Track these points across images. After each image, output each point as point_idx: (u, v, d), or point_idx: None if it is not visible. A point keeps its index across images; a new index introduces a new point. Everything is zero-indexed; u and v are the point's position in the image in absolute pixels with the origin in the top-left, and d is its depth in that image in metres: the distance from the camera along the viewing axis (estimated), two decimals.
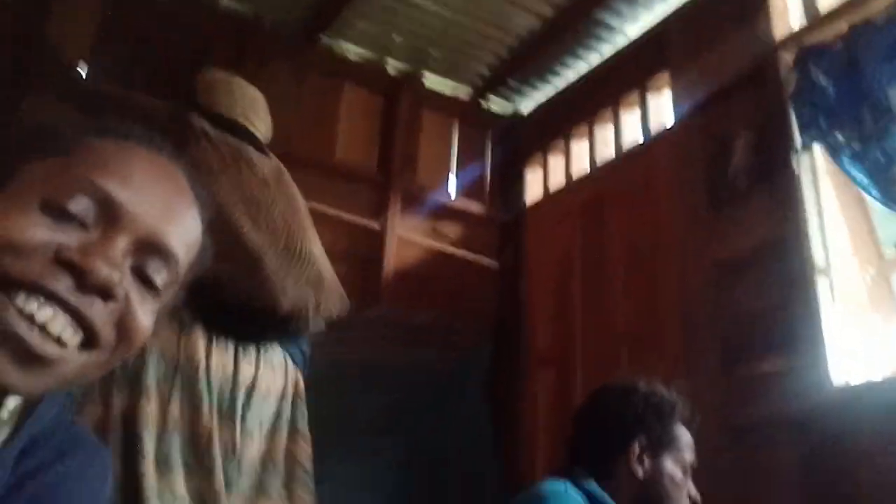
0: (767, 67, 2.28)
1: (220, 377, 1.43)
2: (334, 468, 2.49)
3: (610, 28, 3.04)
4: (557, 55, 3.24)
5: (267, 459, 1.48)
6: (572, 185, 3.18)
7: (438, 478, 2.65)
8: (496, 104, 3.63)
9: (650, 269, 2.60)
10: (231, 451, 1.42)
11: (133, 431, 1.31)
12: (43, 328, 0.50)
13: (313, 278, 1.54)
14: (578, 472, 1.37)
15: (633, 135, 2.98)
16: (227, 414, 1.43)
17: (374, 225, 3.13)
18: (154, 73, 2.82)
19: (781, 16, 2.35)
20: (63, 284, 0.51)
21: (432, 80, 3.50)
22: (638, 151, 2.85)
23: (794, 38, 2.25)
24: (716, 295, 2.27)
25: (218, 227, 1.39)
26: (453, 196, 3.42)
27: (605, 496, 1.33)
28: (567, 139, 3.31)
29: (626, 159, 2.90)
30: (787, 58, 2.23)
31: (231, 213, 1.46)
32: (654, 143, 2.77)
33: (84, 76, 2.64)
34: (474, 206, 3.41)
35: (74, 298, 0.51)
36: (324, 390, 2.58)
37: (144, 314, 0.57)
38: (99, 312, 0.53)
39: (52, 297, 0.50)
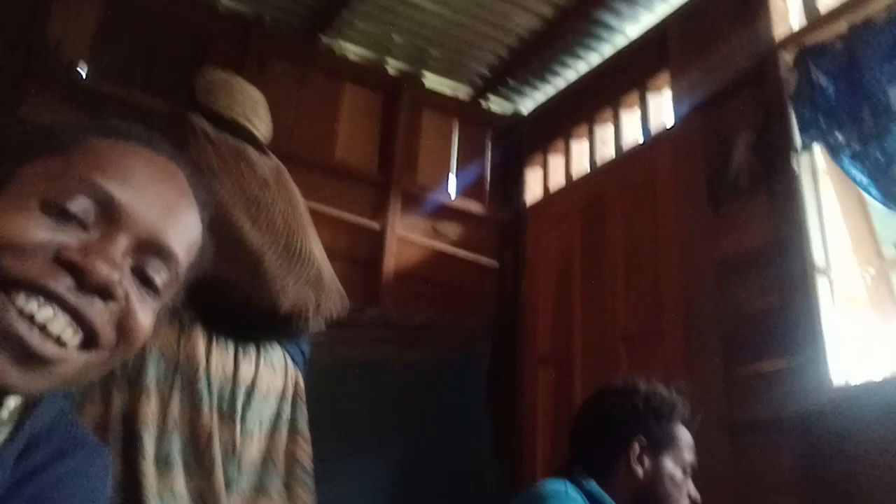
0: (767, 67, 2.28)
1: (220, 377, 1.44)
2: (334, 468, 2.49)
3: (610, 28, 3.04)
4: (557, 55, 3.24)
5: (267, 459, 1.48)
6: (572, 185, 3.18)
7: (438, 477, 2.65)
8: (496, 104, 3.63)
9: (650, 268, 2.60)
10: (231, 451, 1.42)
11: (133, 431, 1.31)
12: (43, 328, 0.50)
13: (314, 278, 1.54)
14: (578, 472, 1.37)
15: (633, 135, 2.98)
16: (227, 413, 1.43)
17: (374, 225, 3.13)
18: (154, 73, 2.82)
19: (782, 15, 2.35)
20: (63, 284, 0.51)
21: (432, 80, 3.51)
22: (638, 151, 2.86)
23: (794, 37, 2.25)
24: (716, 294, 2.27)
25: (218, 227, 1.39)
26: (453, 196, 3.42)
27: (605, 496, 1.33)
28: (567, 139, 3.31)
29: (627, 159, 2.90)
30: (788, 57, 2.24)
31: (231, 213, 1.46)
32: (655, 143, 2.77)
33: (84, 76, 2.65)
34: (474, 206, 3.41)
35: (74, 298, 0.51)
36: (323, 390, 2.58)
37: (144, 314, 0.57)
38: (99, 312, 0.53)
39: (53, 298, 0.50)
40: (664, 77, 2.81)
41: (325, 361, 2.63)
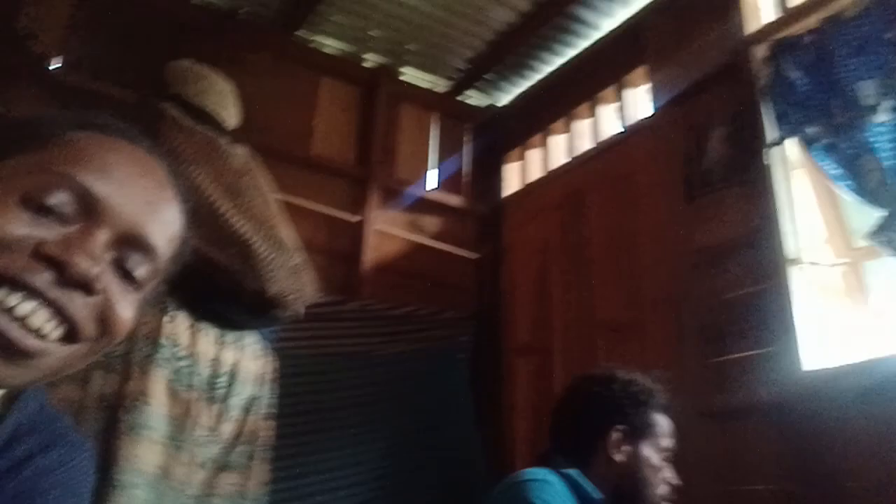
0: (741, 61, 2.32)
1: (204, 361, 1.46)
2: (318, 460, 2.50)
3: (586, 23, 3.06)
4: (535, 49, 3.25)
5: (237, 438, 1.51)
6: (550, 177, 3.20)
7: (422, 467, 2.67)
8: (474, 98, 3.64)
9: (628, 259, 2.63)
10: (211, 432, 1.44)
11: (111, 410, 1.31)
12: (24, 322, 0.50)
13: (294, 266, 1.56)
14: (559, 460, 1.39)
15: (610, 129, 3.00)
16: (210, 397, 1.46)
17: (353, 218, 3.12)
18: (127, 66, 2.78)
19: (754, 10, 2.38)
20: (43, 279, 0.51)
21: (410, 74, 3.50)
22: (615, 144, 2.88)
23: (766, 32, 2.28)
24: (693, 284, 2.31)
25: (204, 217, 1.39)
26: (432, 189, 3.42)
27: (586, 482, 1.35)
28: (545, 133, 3.33)
29: (604, 151, 2.93)
30: (760, 52, 2.27)
31: (214, 202, 1.47)
32: (632, 136, 2.79)
33: (56, 69, 2.60)
34: (453, 199, 3.42)
35: (55, 293, 0.51)
36: (306, 383, 2.59)
37: (125, 307, 0.57)
38: (80, 306, 0.53)
39: (33, 292, 0.50)
40: (640, 71, 2.84)
41: (307, 355, 2.63)
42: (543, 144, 3.34)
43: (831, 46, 2.01)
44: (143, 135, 0.63)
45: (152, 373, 1.37)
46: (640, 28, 2.84)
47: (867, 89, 1.92)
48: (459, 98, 3.60)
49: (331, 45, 3.33)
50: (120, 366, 1.34)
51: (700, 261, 2.31)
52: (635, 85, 2.91)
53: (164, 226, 0.61)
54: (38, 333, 0.51)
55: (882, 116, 1.87)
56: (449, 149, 3.54)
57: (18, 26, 2.46)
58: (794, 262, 2.06)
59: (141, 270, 0.58)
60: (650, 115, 2.70)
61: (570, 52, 3.24)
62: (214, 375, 1.47)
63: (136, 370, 1.35)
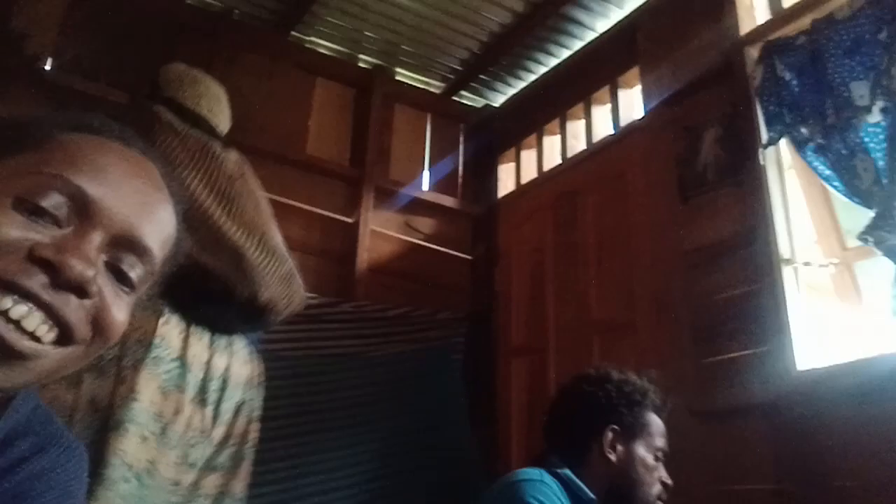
0: (734, 62, 2.32)
1: (196, 365, 1.46)
2: (313, 461, 2.50)
3: (580, 24, 3.07)
4: (529, 50, 3.26)
5: (225, 440, 1.52)
6: (544, 178, 3.21)
7: (417, 468, 2.67)
8: (468, 98, 3.64)
9: (622, 259, 2.64)
10: (201, 434, 1.45)
11: (101, 413, 1.31)
12: (18, 325, 0.50)
13: (286, 274, 1.57)
14: (553, 460, 1.39)
15: (604, 129, 3.01)
16: (202, 400, 1.47)
17: (348, 219, 3.12)
18: (121, 67, 2.77)
19: (748, 11, 2.39)
20: (37, 282, 0.51)
21: (404, 75, 3.50)
22: (609, 144, 2.89)
23: (760, 33, 2.29)
24: (687, 284, 2.32)
25: (197, 223, 1.40)
26: (426, 189, 3.42)
27: (580, 482, 1.36)
28: (539, 133, 3.34)
29: (597, 152, 2.94)
30: (753, 53, 2.28)
31: (207, 209, 1.47)
32: (625, 137, 2.80)
33: (49, 70, 2.59)
34: (447, 200, 3.43)
35: (49, 296, 0.51)
36: (301, 384, 2.59)
37: (119, 309, 0.57)
38: (74, 309, 0.53)
39: (26, 295, 0.50)
40: (634, 72, 2.85)
41: (302, 356, 2.63)
42: (538, 145, 3.34)
43: (824, 47, 2.02)
44: (137, 136, 0.63)
45: (143, 373, 1.37)
46: (634, 29, 2.84)
47: (860, 90, 1.93)
48: (454, 98, 3.60)
49: (326, 45, 3.33)
50: (112, 369, 1.34)
51: (694, 261, 2.31)
52: (629, 86, 2.92)
53: (159, 227, 0.61)
54: (32, 336, 0.51)
55: (875, 117, 1.88)
56: (443, 149, 3.55)
57: (12, 27, 2.45)
58: (788, 262, 2.07)
59: (135, 272, 0.58)
60: (644, 115, 2.70)
61: (564, 53, 3.24)
62: (207, 379, 1.49)
63: (127, 373, 1.35)
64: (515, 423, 2.92)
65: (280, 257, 1.57)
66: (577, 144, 3.11)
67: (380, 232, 3.17)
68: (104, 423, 1.30)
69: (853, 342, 2.00)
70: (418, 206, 3.33)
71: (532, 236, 3.12)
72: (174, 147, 1.52)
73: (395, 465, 2.63)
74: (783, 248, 2.08)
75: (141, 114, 1.59)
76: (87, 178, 0.55)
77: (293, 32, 3.21)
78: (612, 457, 1.39)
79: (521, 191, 3.33)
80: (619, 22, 2.96)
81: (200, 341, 1.49)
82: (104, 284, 0.55)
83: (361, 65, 3.42)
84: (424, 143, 3.51)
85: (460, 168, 3.57)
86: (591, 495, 1.35)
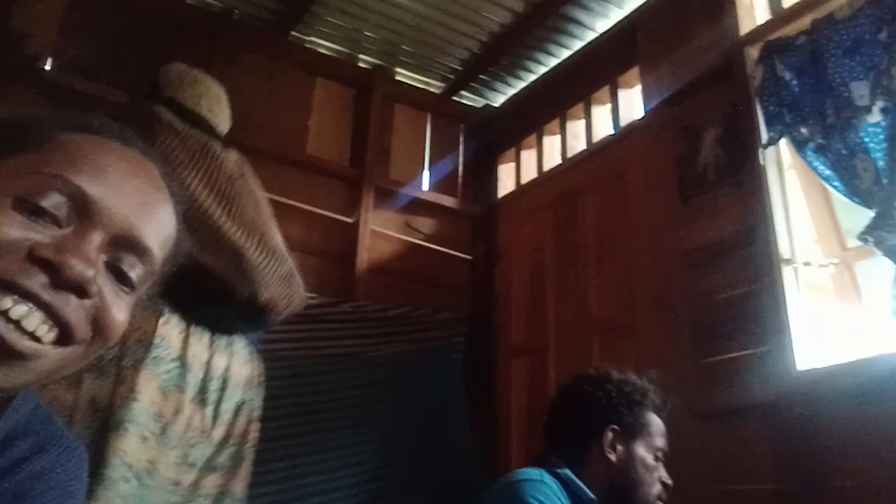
0: (734, 62, 2.32)
1: (196, 365, 1.47)
2: (313, 461, 2.50)
3: (581, 24, 3.07)
4: (529, 50, 3.26)
5: (225, 440, 1.52)
6: (544, 178, 3.21)
7: (417, 468, 2.67)
8: (468, 98, 3.64)
9: (622, 259, 2.64)
10: (202, 434, 1.45)
11: (101, 413, 1.31)
12: (18, 325, 0.50)
13: (286, 274, 1.57)
14: (553, 460, 1.39)
15: (604, 129, 3.01)
16: (202, 400, 1.47)
17: (348, 219, 3.12)
18: (121, 67, 2.77)
19: (748, 11, 2.39)
20: (37, 282, 0.51)
21: (405, 75, 3.50)
22: (609, 144, 2.89)
23: (760, 33, 2.29)
24: (687, 284, 2.32)
25: (198, 223, 1.40)
26: (426, 189, 3.42)
27: (580, 482, 1.36)
28: (539, 133, 3.33)
29: (597, 152, 2.94)
30: (753, 53, 2.28)
31: (207, 209, 1.47)
32: (625, 137, 2.80)
33: (49, 69, 2.59)
34: (447, 200, 3.43)
35: (49, 296, 0.51)
36: (301, 384, 2.59)
37: (119, 309, 0.57)
38: (74, 309, 0.53)
39: (26, 295, 0.50)
40: (634, 72, 2.85)
41: (302, 356, 2.63)
42: (538, 145, 3.34)
43: (824, 47, 2.02)
44: (136, 136, 0.63)
45: (143, 373, 1.37)
46: (634, 29, 2.84)
47: (860, 90, 1.93)
48: (454, 98, 3.60)
49: (326, 45, 3.33)
50: (112, 369, 1.34)
51: (694, 261, 2.31)
52: (629, 85, 2.92)
53: (159, 227, 0.61)
54: (32, 336, 0.51)
55: (875, 117, 1.88)
56: (443, 149, 3.55)
57: (12, 27, 2.45)
58: (788, 262, 2.07)
59: (135, 272, 0.58)
60: (644, 115, 2.70)
61: (564, 53, 3.24)
62: (207, 379, 1.49)
63: (127, 373, 1.35)
64: (515, 423, 2.92)
65: (280, 257, 1.57)
66: (577, 144, 3.11)
67: (380, 232, 3.17)
68: (104, 423, 1.30)
69: (853, 342, 2.00)
70: (418, 206, 3.33)
71: (532, 236, 3.12)
72: (174, 147, 1.52)
73: (395, 465, 2.63)
74: (783, 248, 2.08)
75: (141, 114, 1.59)
76: (87, 178, 0.55)
77: (293, 32, 3.21)
78: (612, 457, 1.39)
79: (521, 191, 3.33)
80: (619, 22, 2.96)
81: (200, 341, 1.49)
82: (104, 284, 0.55)
83: (361, 65, 3.42)
84: (424, 143, 3.51)
85: (460, 168, 3.57)
86: (591, 495, 1.35)
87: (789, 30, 2.19)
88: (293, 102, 3.20)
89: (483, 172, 3.54)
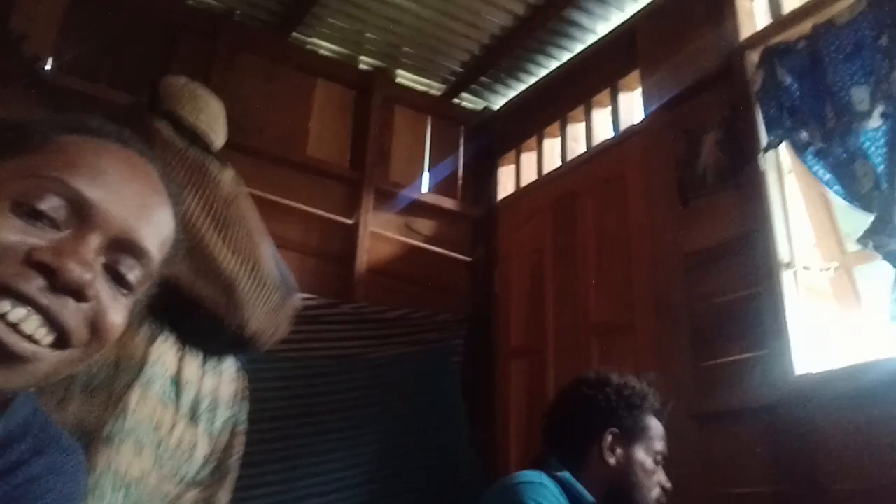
0: (734, 66, 2.33)
1: (189, 387, 1.47)
2: (310, 463, 2.49)
3: (581, 27, 3.07)
4: (530, 53, 3.26)
5: (210, 455, 1.52)
6: (544, 180, 3.21)
7: (415, 470, 2.67)
8: (468, 101, 3.64)
9: (621, 262, 2.64)
10: (191, 451, 1.46)
11: (91, 433, 1.31)
12: (16, 328, 0.50)
13: (276, 304, 1.57)
14: (552, 463, 1.39)
15: (604, 132, 3.01)
16: (192, 419, 1.47)
17: (347, 220, 3.12)
18: (121, 68, 2.78)
19: (748, 15, 2.39)
20: (35, 285, 0.51)
21: (405, 77, 3.51)
22: (608, 147, 2.89)
23: (760, 37, 2.29)
24: (686, 287, 2.32)
25: (193, 250, 1.39)
26: (426, 191, 3.42)
27: (579, 485, 1.36)
28: (539, 136, 3.34)
29: (597, 155, 2.94)
30: (754, 57, 2.28)
31: (203, 236, 1.46)
32: (625, 139, 2.80)
33: (49, 71, 2.59)
34: (447, 202, 3.43)
35: (46, 299, 0.51)
36: (299, 386, 2.59)
37: (117, 312, 0.57)
38: (71, 313, 0.53)
39: (24, 299, 0.50)
40: (634, 75, 2.85)
41: (300, 357, 2.63)
42: (538, 147, 3.34)
43: (824, 52, 2.02)
44: (135, 137, 0.63)
45: (137, 391, 1.36)
46: (634, 32, 2.85)
47: (860, 95, 1.93)
48: (454, 101, 3.60)
49: (326, 47, 3.33)
50: (103, 392, 1.33)
51: (693, 264, 2.31)
52: (630, 88, 2.92)
53: (157, 229, 0.60)
54: (30, 339, 0.51)
55: (875, 122, 1.88)
56: (443, 151, 3.55)
57: (12, 27, 2.45)
58: (788, 265, 2.07)
59: (133, 275, 0.58)
60: (644, 118, 2.70)
61: (564, 56, 3.25)
62: (198, 399, 1.50)
63: (121, 392, 1.35)
64: (514, 425, 2.91)
65: (270, 287, 1.57)
66: (577, 147, 3.11)
67: (379, 233, 3.17)
68: (92, 440, 1.30)
69: (852, 346, 2.00)
70: (418, 208, 3.33)
71: (532, 238, 3.12)
72: (173, 166, 1.51)
73: (393, 467, 2.63)
74: (783, 251, 2.08)
75: (140, 126, 1.58)
76: (85, 180, 0.55)
77: (294, 34, 3.21)
78: (612, 460, 1.39)
79: (521, 193, 3.33)
80: (620, 25, 2.96)
81: (194, 362, 1.50)
82: (102, 287, 0.55)
83: (362, 66, 3.42)
84: (424, 144, 3.52)
85: (460, 170, 3.57)
86: (591, 498, 1.35)
87: (790, 34, 2.19)
88: (293, 104, 3.20)
89: (483, 174, 3.54)
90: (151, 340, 1.42)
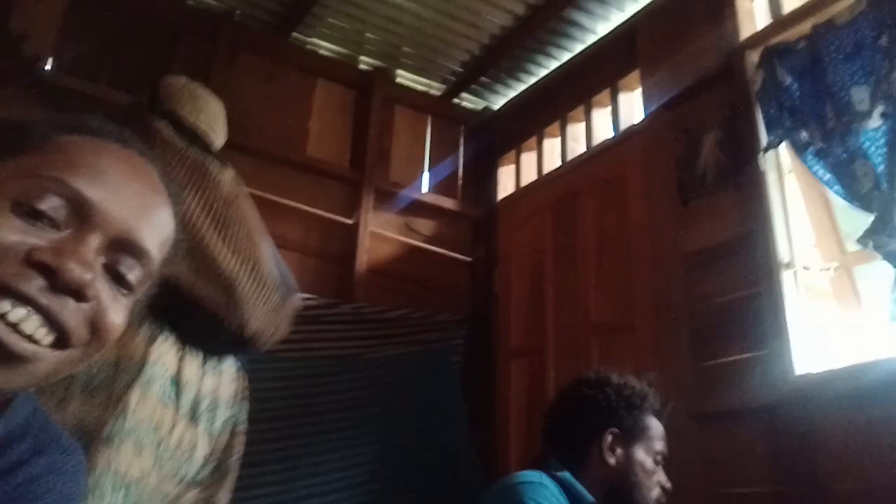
0: (734, 66, 2.33)
1: (189, 387, 1.47)
2: (310, 463, 2.50)
3: (581, 27, 3.07)
4: (530, 53, 3.26)
5: (210, 455, 1.52)
6: (544, 180, 3.21)
7: (415, 469, 2.67)
8: (469, 101, 3.64)
9: (621, 262, 2.63)
10: (191, 451, 1.47)
11: (91, 433, 1.31)
12: (16, 328, 0.50)
13: (276, 304, 1.57)
14: (552, 462, 1.39)
15: (604, 132, 3.01)
16: (193, 419, 1.47)
17: (347, 220, 3.12)
18: (121, 68, 2.78)
19: (748, 15, 2.39)
20: (35, 286, 0.51)
21: (405, 77, 3.51)
22: (608, 147, 2.89)
23: (760, 37, 2.29)
24: (686, 287, 2.32)
25: (194, 250, 1.39)
26: (426, 191, 3.43)
27: (579, 485, 1.36)
28: (539, 136, 3.34)
29: (597, 155, 2.94)
30: (754, 57, 2.28)
31: (203, 236, 1.46)
32: (625, 139, 2.80)
33: (49, 70, 2.59)
34: (447, 202, 3.43)
35: (46, 299, 0.51)
36: (298, 386, 2.59)
37: (117, 312, 0.57)
38: (71, 313, 0.53)
39: (24, 299, 0.50)
40: (634, 75, 2.85)
41: (300, 357, 2.63)
42: (538, 147, 3.34)
43: (824, 52, 2.02)
44: (135, 137, 0.63)
45: (137, 391, 1.36)
46: (634, 32, 2.85)
47: (860, 95, 1.93)
48: (454, 101, 3.60)
49: (326, 47, 3.33)
50: (103, 392, 1.33)
51: (693, 264, 2.31)
52: (630, 88, 2.92)
53: (157, 229, 0.61)
54: (30, 339, 0.51)
55: (875, 122, 1.88)
56: (443, 151, 3.55)
57: (12, 27, 2.45)
58: (788, 265, 2.07)
59: (133, 274, 0.58)
60: (644, 118, 2.70)
61: (564, 56, 3.24)
62: (198, 399, 1.50)
63: (121, 393, 1.35)
64: (514, 425, 2.91)
65: (270, 287, 1.56)
66: (577, 147, 3.11)
67: (379, 233, 3.17)
68: (92, 440, 1.29)
69: (852, 346, 2.00)
70: (418, 208, 3.33)
71: (532, 238, 3.12)
72: (173, 166, 1.51)
73: (393, 467, 2.63)
74: (783, 251, 2.08)
75: (140, 126, 1.57)
76: (85, 180, 0.55)
77: (294, 34, 3.21)
78: (612, 460, 1.39)
79: (521, 193, 3.33)
80: (620, 25, 2.96)
81: (194, 362, 1.50)
82: (102, 287, 0.55)
83: (362, 66, 3.42)
84: (424, 144, 3.52)
85: (460, 170, 3.57)
86: (591, 498, 1.35)
87: (790, 34, 2.19)
88: (293, 104, 3.20)
89: (483, 174, 3.54)
90: (151, 340, 1.42)
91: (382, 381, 2.76)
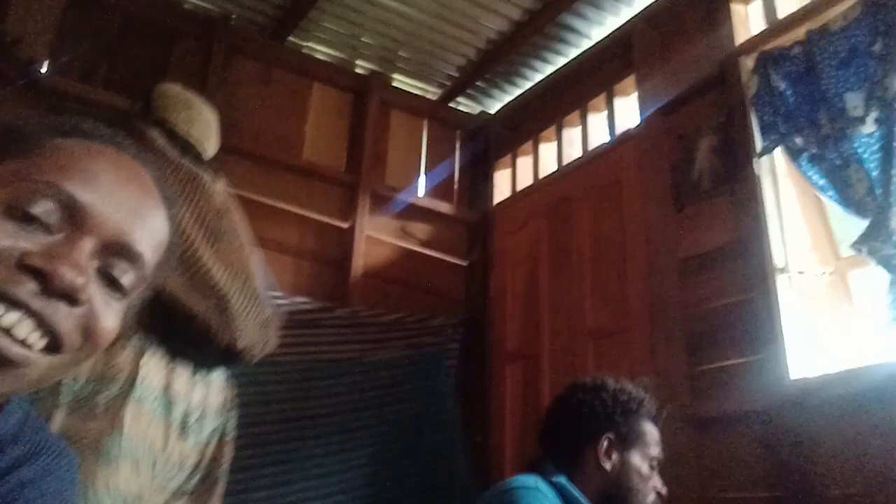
0: (729, 72, 2.33)
1: (178, 400, 1.46)
2: (305, 467, 2.49)
3: (577, 32, 3.08)
4: (526, 58, 3.27)
5: (197, 465, 1.52)
6: (539, 185, 3.21)
7: (409, 474, 2.66)
8: (465, 105, 3.65)
9: (616, 267, 2.64)
10: (181, 463, 1.46)
11: (82, 445, 1.30)
12: (8, 332, 0.50)
13: (265, 319, 1.57)
14: (548, 467, 1.39)
15: (599, 137, 3.02)
16: (182, 431, 1.47)
17: (343, 224, 3.12)
18: (116, 71, 2.77)
19: (743, 21, 2.40)
20: (27, 290, 0.50)
21: (401, 82, 3.51)
22: (604, 152, 2.90)
23: (755, 43, 2.30)
24: (681, 292, 2.32)
25: (186, 263, 1.39)
26: (422, 195, 3.43)
27: (574, 490, 1.35)
28: (535, 140, 3.34)
29: (592, 159, 2.94)
30: (748, 62, 2.29)
31: (196, 250, 1.46)
32: (620, 144, 2.81)
33: (44, 73, 2.58)
34: (443, 206, 3.43)
35: (39, 304, 0.51)
36: (294, 390, 2.59)
37: (109, 316, 0.57)
38: (64, 317, 0.52)
39: (17, 304, 0.50)
40: (630, 80, 2.86)
41: (295, 361, 2.63)
42: (534, 152, 3.35)
43: (819, 58, 2.03)
44: (129, 140, 0.63)
45: (129, 408, 1.36)
46: (630, 38, 2.85)
47: (854, 100, 1.94)
48: (450, 105, 3.60)
49: (323, 51, 3.33)
50: (86, 406, 1.32)
51: (688, 269, 2.32)
52: (625, 93, 2.93)
53: (151, 233, 0.60)
54: (23, 343, 0.51)
55: (869, 127, 1.89)
56: (439, 156, 3.55)
57: (7, 30, 2.45)
58: (782, 270, 2.07)
59: (127, 278, 0.58)
60: (639, 123, 2.71)
61: (560, 61, 3.25)
62: (188, 412, 1.49)
63: (111, 408, 1.34)
64: (509, 429, 2.91)
65: (261, 302, 1.56)
66: (573, 152, 3.12)
67: (375, 237, 3.17)
68: (82, 452, 1.28)
69: (846, 351, 2.00)
70: (414, 212, 3.33)
71: (527, 243, 3.12)
72: (167, 177, 1.50)
73: (387, 471, 2.62)
74: (777, 256, 2.09)
75: (133, 135, 1.57)
76: (78, 184, 0.55)
77: (290, 38, 3.21)
78: (607, 465, 1.39)
79: (517, 197, 3.33)
80: (615, 30, 2.97)
81: (183, 375, 1.49)
82: (95, 292, 0.55)
83: (358, 71, 3.42)
84: (420, 149, 3.52)
85: (456, 174, 3.57)
86: (587, 503, 1.35)
87: (784, 40, 2.20)
88: (290, 107, 3.20)
89: (479, 179, 3.54)
90: (140, 353, 1.40)
91: (377, 385, 2.76)
